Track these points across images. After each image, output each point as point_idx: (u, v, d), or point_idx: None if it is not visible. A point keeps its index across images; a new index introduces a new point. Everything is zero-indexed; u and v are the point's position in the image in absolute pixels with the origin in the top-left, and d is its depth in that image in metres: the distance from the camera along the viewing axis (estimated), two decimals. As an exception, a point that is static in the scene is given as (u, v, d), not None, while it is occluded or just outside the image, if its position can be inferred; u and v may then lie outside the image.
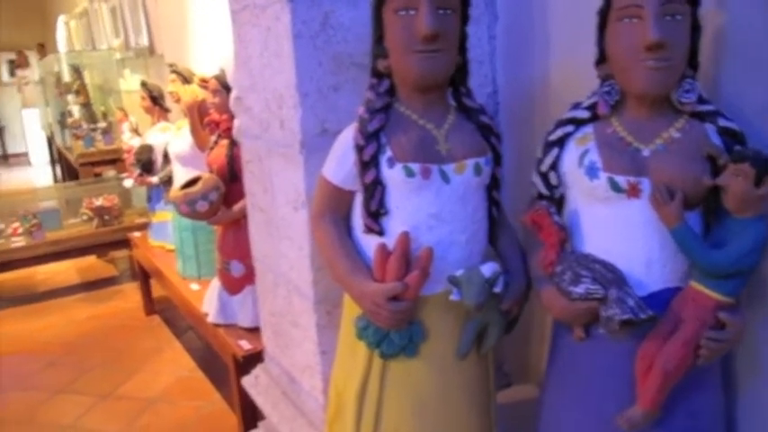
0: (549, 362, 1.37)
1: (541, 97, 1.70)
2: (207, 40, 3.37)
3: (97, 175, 5.39)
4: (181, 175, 3.04)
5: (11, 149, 11.24)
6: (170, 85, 3.06)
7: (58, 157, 8.04)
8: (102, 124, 5.43)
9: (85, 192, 5.07)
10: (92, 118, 5.65)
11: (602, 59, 1.24)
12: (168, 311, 4.01)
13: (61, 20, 8.67)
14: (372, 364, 1.29)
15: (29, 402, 3.09)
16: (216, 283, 2.62)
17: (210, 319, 2.57)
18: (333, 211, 1.28)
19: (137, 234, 4.03)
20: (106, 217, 4.44)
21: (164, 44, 4.18)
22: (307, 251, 1.51)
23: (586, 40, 1.32)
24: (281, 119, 1.49)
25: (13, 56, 10.94)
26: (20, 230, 4.23)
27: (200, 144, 2.91)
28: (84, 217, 4.50)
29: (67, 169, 7.24)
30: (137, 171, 3.60)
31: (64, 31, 8.64)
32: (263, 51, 1.53)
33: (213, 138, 2.58)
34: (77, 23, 7.67)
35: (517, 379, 1.97)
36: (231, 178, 2.43)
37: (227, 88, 2.40)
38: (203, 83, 2.85)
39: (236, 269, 2.51)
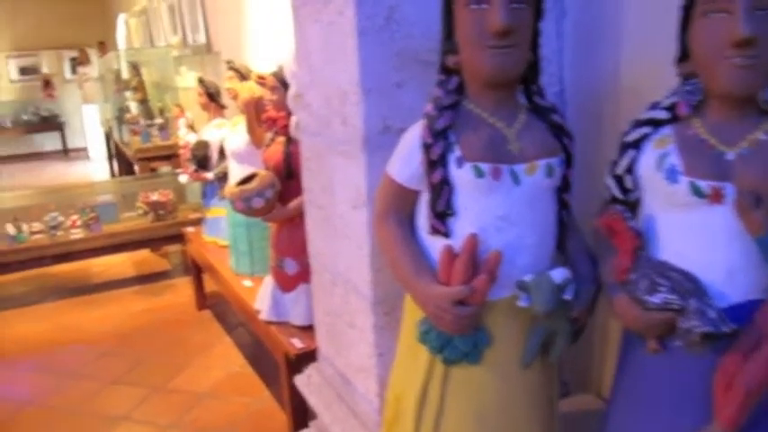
0: (618, 373, 1.31)
1: (611, 97, 1.63)
2: (264, 37, 3.39)
3: (153, 170, 5.48)
4: (236, 171, 3.05)
5: (71, 144, 11.58)
6: (227, 82, 3.07)
7: (115, 152, 8.24)
8: (158, 120, 5.52)
9: (141, 186, 5.16)
10: (149, 114, 5.76)
11: (683, 56, 1.17)
12: (219, 307, 4.05)
13: (121, 18, 8.88)
14: (434, 369, 1.25)
15: (83, 391, 3.16)
16: (269, 281, 2.61)
17: (263, 316, 2.57)
18: (397, 210, 1.25)
19: (191, 229, 4.07)
20: (161, 212, 4.51)
21: (221, 41, 4.22)
22: (366, 251, 1.48)
23: (662, 36, 1.25)
24: (343, 116, 1.46)
25: (75, 53, 11.26)
26: (78, 223, 4.33)
27: (256, 141, 2.92)
28: (140, 211, 4.58)
29: (124, 164, 7.40)
30: (192, 167, 3.64)
31: (124, 29, 8.85)
32: (325, 47, 1.51)
33: (270, 135, 2.57)
34: (137, 21, 7.84)
35: (576, 388, 1.90)
36: (287, 175, 2.42)
37: (284, 85, 2.39)
38: (260, 80, 2.85)
39: (290, 267, 2.50)
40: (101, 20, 11.53)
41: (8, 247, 4.10)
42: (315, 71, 1.59)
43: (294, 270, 2.50)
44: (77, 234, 4.28)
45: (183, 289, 4.44)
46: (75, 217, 4.34)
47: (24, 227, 4.19)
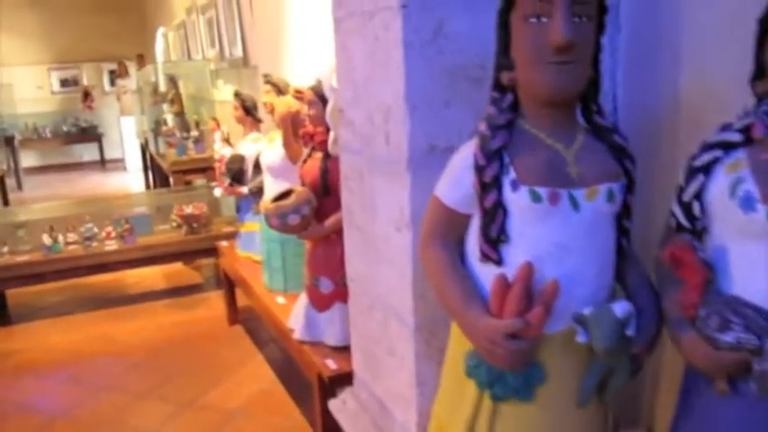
0: (680, 415, 1.21)
1: (668, 117, 1.54)
2: (302, 52, 3.36)
3: (188, 183, 5.50)
4: (272, 186, 3.01)
5: (108, 155, 11.75)
6: (264, 96, 3.04)
7: (150, 164, 8.32)
8: (194, 133, 5.54)
9: (176, 199, 5.17)
10: (185, 127, 5.78)
11: (760, 74, 1.09)
12: (251, 322, 4.01)
13: (160, 32, 9.00)
14: (482, 404, 1.17)
15: (113, 405, 3.12)
16: (303, 299, 2.56)
17: (296, 335, 2.51)
18: (445, 235, 1.18)
19: (224, 243, 4.05)
20: (194, 225, 4.50)
21: (258, 55, 4.21)
22: (409, 275, 1.41)
23: (725, 53, 1.17)
24: (387, 133, 1.40)
25: (114, 66, 11.45)
26: (113, 234, 4.33)
27: (292, 156, 2.87)
28: (174, 224, 4.58)
29: (159, 176, 7.46)
30: (227, 181, 3.62)
31: (162, 43, 8.96)
32: (369, 62, 1.45)
33: (306, 150, 2.53)
34: (175, 35, 7.94)
35: (625, 422, 1.80)
36: (324, 192, 2.36)
37: (323, 100, 2.34)
38: (298, 94, 2.82)
39: (325, 285, 2.44)
40: (140, 33, 11.72)
41: (44, 257, 4.12)
42: (358, 87, 1.54)
43: (329, 289, 2.44)
44: (112, 245, 4.28)
45: (214, 303, 4.42)
46: (109, 228, 4.35)
47: (60, 237, 4.20)
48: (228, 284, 3.95)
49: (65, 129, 11.44)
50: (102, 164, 11.68)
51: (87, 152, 11.87)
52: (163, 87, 6.35)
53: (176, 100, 5.83)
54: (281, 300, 2.97)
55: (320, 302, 2.47)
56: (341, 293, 2.42)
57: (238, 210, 3.74)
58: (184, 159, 5.43)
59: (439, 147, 1.35)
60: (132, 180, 10.11)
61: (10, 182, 8.98)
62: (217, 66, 5.63)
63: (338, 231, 2.38)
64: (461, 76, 1.36)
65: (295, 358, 2.58)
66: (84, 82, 11.74)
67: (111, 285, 4.81)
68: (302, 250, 2.97)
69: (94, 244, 4.27)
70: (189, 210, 4.47)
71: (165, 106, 6.03)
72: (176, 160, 5.40)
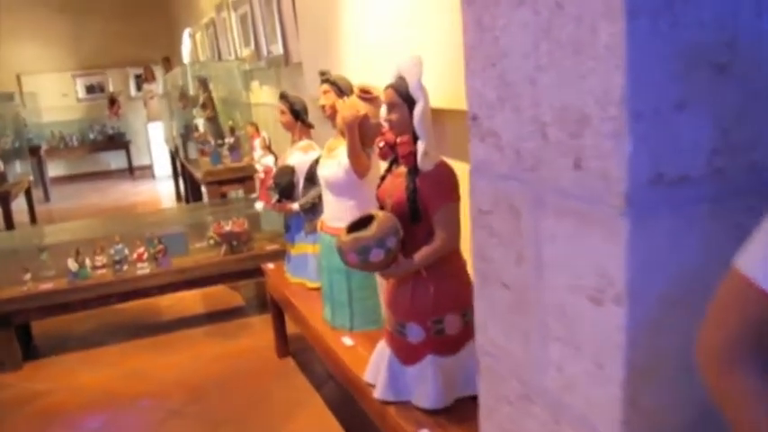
0: None
1: None
2: (358, 46, 2.86)
3: (223, 194, 5.05)
4: (333, 206, 2.53)
5: (136, 162, 11.40)
6: (321, 98, 2.56)
7: (181, 171, 7.91)
8: (229, 140, 5.09)
9: (211, 213, 4.73)
10: (218, 133, 5.34)
11: None
12: (304, 354, 3.53)
13: (187, 33, 8.59)
14: None
15: (154, 466, 2.68)
16: (384, 350, 2.07)
17: (378, 394, 2.02)
18: (762, 344, 0.68)
19: (270, 266, 3.57)
20: (235, 243, 4.04)
21: (302, 52, 3.73)
22: (615, 373, 0.90)
23: None
24: (579, 154, 0.90)
25: (140, 71, 11.10)
26: (145, 256, 3.89)
27: (359, 169, 2.39)
28: (211, 241, 4.12)
29: (191, 183, 7.04)
30: (275, 196, 3.14)
31: (189, 44, 8.55)
32: (542, 43, 0.95)
33: (384, 164, 2.03)
34: (203, 35, 7.50)
35: None
36: (413, 218, 1.87)
37: (407, 101, 1.84)
38: (365, 94, 2.33)
39: (414, 334, 1.94)
40: (166, 36, 11.35)
41: (70, 284, 3.69)
42: (510, 82, 1.03)
43: (419, 338, 1.94)
44: (144, 269, 3.84)
45: (259, 330, 3.95)
46: (141, 249, 3.90)
47: (87, 261, 3.77)
48: (276, 312, 3.48)
49: (91, 137, 11.10)
50: (131, 171, 11.33)
51: (115, 160, 11.54)
52: (192, 90, 5.91)
53: (208, 104, 5.39)
54: (347, 341, 2.48)
55: (407, 354, 1.97)
56: (434, 343, 1.94)
57: (287, 229, 3.26)
58: (219, 169, 4.98)
59: (667, 176, 0.85)
60: (162, 187, 9.73)
61: (37, 193, 8.65)
62: (252, 65, 5.17)
63: (430, 267, 1.89)
64: (701, 61, 0.85)
65: (378, 423, 2.09)
66: (110, 88, 11.42)
67: (144, 311, 4.37)
68: (372, 282, 2.50)
69: (125, 268, 3.83)
70: (228, 227, 4.01)
71: (196, 111, 5.59)
72: (211, 170, 4.95)
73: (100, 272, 3.81)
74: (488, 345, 1.25)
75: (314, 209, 3.10)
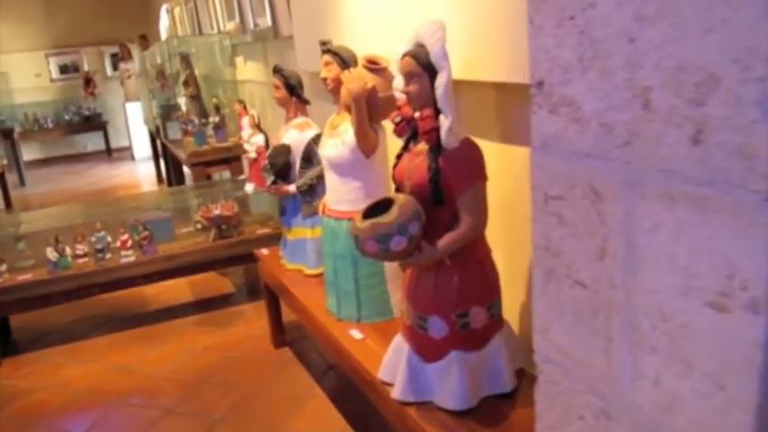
0: None
1: None
2: (361, 12, 2.64)
3: (208, 176, 4.82)
4: (338, 187, 2.32)
5: (114, 144, 11.06)
6: (323, 70, 2.34)
7: (162, 152, 7.64)
8: (214, 119, 4.84)
9: (197, 196, 4.50)
10: (202, 112, 5.08)
11: None
12: (301, 344, 3.35)
13: (164, 8, 8.26)
14: None
15: (147, 471, 2.49)
16: (401, 345, 1.89)
17: (396, 394, 1.84)
18: None
19: (264, 251, 3.37)
20: (224, 227, 3.83)
21: (295, 23, 3.49)
22: (744, 397, 0.73)
23: None
24: (701, 125, 0.71)
25: (116, 49, 10.73)
26: (129, 243, 3.66)
27: (366, 147, 2.19)
28: (199, 226, 3.90)
29: (173, 165, 6.78)
30: (270, 178, 2.93)
31: (167, 20, 8.23)
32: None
33: (401, 141, 1.84)
34: (182, 9, 7.19)
35: None
36: (436, 201, 1.68)
37: (429, 71, 1.64)
38: (372, 65, 2.12)
39: (437, 328, 1.76)
40: (142, 12, 10.96)
41: (50, 275, 3.46)
42: (596, 41, 0.84)
43: (442, 332, 1.76)
44: (129, 257, 3.62)
45: (252, 318, 3.76)
46: (124, 236, 3.67)
47: (67, 250, 3.54)
48: (271, 300, 3.29)
49: (67, 118, 10.73)
50: (109, 153, 11.00)
51: (92, 142, 11.18)
52: (172, 68, 5.63)
53: (191, 81, 5.12)
54: (356, 334, 2.29)
55: (429, 350, 1.79)
56: (458, 338, 1.76)
57: (283, 212, 3.06)
58: (205, 149, 4.74)
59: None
60: (142, 169, 9.45)
61: (12, 177, 8.32)
62: (237, 40, 4.91)
63: (454, 255, 1.71)
64: None
65: (396, 425, 1.91)
66: (85, 67, 11.03)
67: (129, 300, 4.15)
68: (380, 269, 2.31)
69: (108, 256, 3.60)
70: (217, 210, 3.79)
71: (178, 89, 5.32)
72: (195, 150, 4.71)
73: (81, 261, 3.58)
74: (552, 351, 1.07)
75: (312, 190, 2.90)
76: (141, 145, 9.90)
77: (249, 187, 3.83)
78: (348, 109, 2.16)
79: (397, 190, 1.82)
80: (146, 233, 3.66)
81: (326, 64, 2.32)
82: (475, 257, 1.76)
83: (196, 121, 4.87)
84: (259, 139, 3.76)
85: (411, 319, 1.82)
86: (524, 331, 2.04)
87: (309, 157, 2.88)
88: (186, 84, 5.16)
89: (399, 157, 1.82)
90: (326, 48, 2.32)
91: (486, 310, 1.78)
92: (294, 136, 2.88)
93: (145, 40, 9.45)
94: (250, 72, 4.99)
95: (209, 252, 3.74)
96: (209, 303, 4.07)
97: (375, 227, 1.60)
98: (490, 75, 1.80)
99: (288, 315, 3.23)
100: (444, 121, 1.62)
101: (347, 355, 2.20)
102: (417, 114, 1.68)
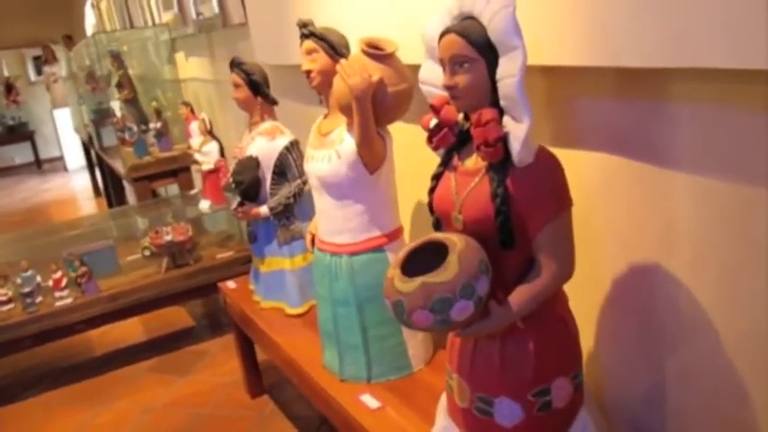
0: None
1: None
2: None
3: (154, 193, 4.19)
4: (333, 214, 1.78)
5: (44, 154, 10.16)
6: (305, 61, 1.79)
7: (97, 162, 6.90)
8: (155, 124, 4.20)
9: (142, 215, 3.88)
10: (141, 117, 4.43)
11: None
12: (283, 390, 2.81)
13: (89, 4, 7.48)
14: None
15: None
16: (451, 429, 1.37)
17: (451, 507, 1.32)
18: None
19: (230, 284, 2.79)
20: (177, 254, 3.24)
21: (250, 7, 2.91)
22: None
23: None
24: None
25: (39, 52, 9.83)
26: (64, 282, 3.03)
27: (371, 160, 1.66)
28: (147, 252, 3.29)
29: (111, 176, 6.07)
30: (235, 200, 2.36)
31: (93, 17, 7.46)
32: None
33: (437, 154, 1.31)
34: (109, 3, 6.45)
35: None
36: (505, 242, 1.15)
37: (486, 54, 1.12)
38: (374, 50, 1.58)
39: (508, 413, 1.26)
40: (65, 11, 10.07)
41: (-35, 330, 2.81)
42: None
43: (515, 418, 1.26)
44: (65, 299, 2.99)
45: (219, 359, 3.19)
46: (57, 274, 3.04)
47: (-14, 296, 2.89)
48: (242, 340, 2.73)
49: (-12, 129, 9.79)
50: (39, 165, 10.11)
51: (19, 153, 10.26)
52: (102, 68, 4.95)
53: (125, 83, 4.46)
54: (368, 401, 1.76)
55: (495, 444, 1.28)
56: (536, 424, 1.26)
57: (253, 238, 2.49)
58: (147, 161, 4.10)
59: None
60: (76, 181, 8.65)
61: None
62: (177, 32, 4.28)
63: (534, 316, 1.20)
64: None
65: None
66: (5, 72, 10.07)
67: (69, 346, 3.49)
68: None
69: (39, 300, 2.97)
70: (169, 235, 3.18)
71: (111, 92, 4.64)
72: (136, 163, 4.07)
73: (5, 309, 2.94)
74: None
75: (288, 211, 2.35)
76: (74, 154, 9.09)
77: (205, 205, 3.27)
78: (345, 110, 1.62)
79: (436, 226, 1.29)
80: (84, 269, 3.03)
81: (309, 52, 1.76)
82: (555, 313, 1.26)
83: (134, 128, 4.21)
84: (212, 148, 3.20)
85: (467, 400, 1.30)
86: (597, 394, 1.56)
87: (283, 170, 2.33)
88: (120, 86, 4.49)
89: (437, 177, 1.28)
90: (308, 31, 1.76)
91: (570, 380, 1.28)
92: (262, 145, 2.31)
93: (70, 41, 8.62)
94: (193, 69, 4.36)
95: (161, 286, 3.14)
96: (166, 343, 3.46)
97: (428, 289, 1.08)
98: (552, 57, 1.29)
99: (262, 353, 2.67)
100: (518, 128, 1.10)
101: (362, 433, 1.67)
102: (477, 117, 1.15)
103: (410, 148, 1.86)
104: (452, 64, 1.15)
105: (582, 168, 1.40)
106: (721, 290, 1.22)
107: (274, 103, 2.39)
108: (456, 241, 1.12)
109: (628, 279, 1.42)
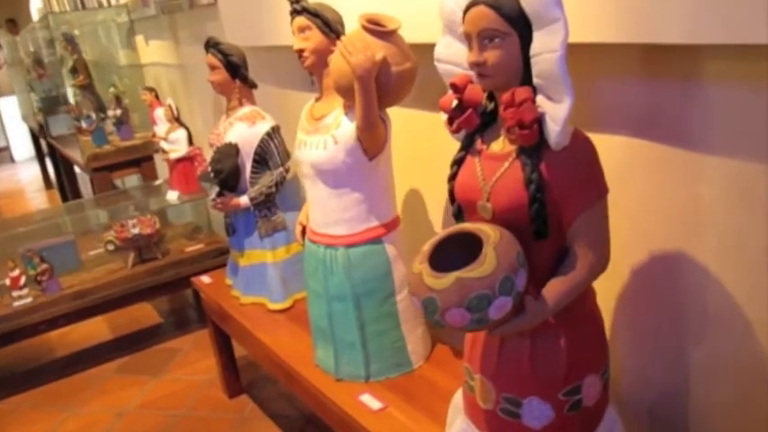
0: None
1: None
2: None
3: (113, 185, 4.00)
4: (328, 203, 1.66)
5: (-12, 146, 9.70)
6: (297, 39, 1.66)
7: (48, 152, 6.58)
8: (114, 112, 3.98)
9: (102, 207, 3.68)
10: (99, 105, 4.21)
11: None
12: (262, 388, 2.69)
13: (35, -16, 7.11)
14: None
15: None
16: (468, 429, 1.29)
17: None
18: None
19: (204, 279, 2.65)
20: (144, 247, 3.07)
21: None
22: None
23: None
24: None
25: (-23, 37, 9.35)
26: (22, 281, 2.84)
27: (372, 145, 1.55)
28: (110, 247, 3.12)
29: (63, 166, 5.79)
30: (213, 190, 2.22)
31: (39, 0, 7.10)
32: None
33: (458, 137, 1.21)
34: (58, -16, 6.14)
35: None
36: (538, 233, 1.07)
37: (520, 28, 1.03)
38: (376, 26, 1.47)
39: (537, 414, 1.17)
40: (7, -8, 9.57)
41: None
42: None
43: (545, 419, 1.18)
44: (24, 299, 2.80)
45: (192, 357, 3.05)
46: (15, 272, 2.84)
47: (-63, 298, 2.69)
48: (218, 336, 2.60)
49: (-73, 120, 9.27)
50: (-18, 157, 9.63)
51: (-40, 145, 9.75)
52: (56, 53, 4.69)
53: (80, 68, 4.22)
54: (369, 401, 1.67)
55: (523, 448, 1.20)
56: (567, 424, 1.19)
57: (231, 231, 2.36)
58: (107, 150, 3.90)
59: None
60: (25, 173, 8.27)
61: None
62: (136, 14, 4.06)
63: (561, 311, 1.12)
64: None
65: None
66: (-57, 60, 9.55)
67: (29, 348, 3.29)
68: (392, 307, 1.70)
69: (-6, 300, 2.78)
70: (135, 228, 3.01)
71: (65, 78, 4.39)
72: (95, 152, 3.86)
73: (-41, 310, 2.73)
74: None
75: (269, 201, 2.22)
76: (21, 144, 8.69)
77: (173, 196, 3.11)
78: (344, 92, 1.51)
79: (457, 216, 1.20)
80: (44, 266, 2.84)
81: (301, 29, 1.64)
82: (585, 307, 1.18)
83: (93, 115, 3.99)
84: (180, 135, 3.05)
85: (492, 401, 1.21)
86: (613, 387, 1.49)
87: (264, 157, 2.20)
88: (74, 71, 4.25)
89: (459, 163, 1.19)
90: (300, 6, 1.63)
91: (600, 377, 1.21)
92: (242, 131, 2.17)
93: (14, 25, 8.20)
94: (154, 53, 4.15)
95: (129, 282, 2.97)
96: (134, 341, 3.29)
97: (464, 286, 0.98)
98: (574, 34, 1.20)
99: (239, 349, 2.55)
100: (557, 108, 1.01)
101: (366, 438, 1.57)
102: (511, 96, 1.05)
103: (400, 132, 1.76)
104: (481, 39, 1.05)
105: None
106: (751, 279, 1.16)
107: (253, 86, 2.25)
108: (489, 232, 1.03)
109: (648, 268, 1.36)
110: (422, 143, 1.89)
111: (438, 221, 1.95)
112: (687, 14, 1.03)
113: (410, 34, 1.54)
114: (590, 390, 1.19)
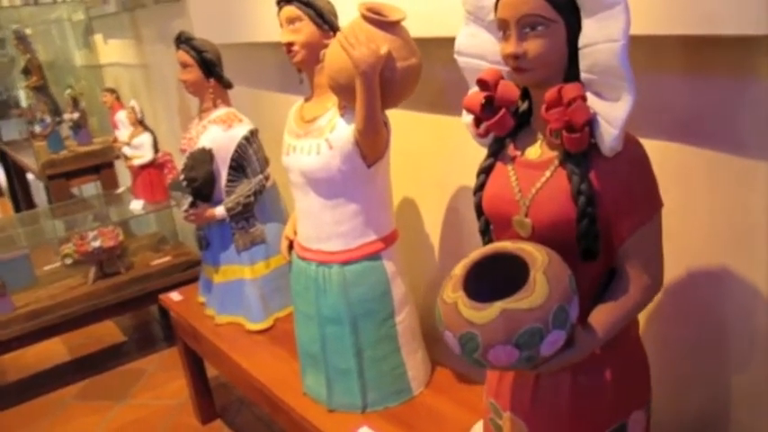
0: None
1: None
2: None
3: (72, 194, 3.74)
4: (321, 215, 1.49)
5: (-69, 151, 9.20)
6: (285, 32, 1.48)
7: (-3, 158, 6.23)
8: (71, 115, 3.73)
9: (58, 217, 3.43)
10: (53, 107, 3.94)
11: None
12: (236, 411, 2.50)
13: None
14: None
15: None
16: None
17: None
18: None
19: (174, 296, 2.45)
20: (105, 260, 2.84)
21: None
22: None
23: None
24: None
25: None
26: (-29, 300, 2.59)
27: (373, 150, 1.38)
28: (68, 260, 2.89)
29: (15, 172, 5.47)
30: (186, 200, 2.02)
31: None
32: None
33: (486, 140, 1.06)
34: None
35: None
36: (587, 253, 0.91)
37: (566, 14, 0.87)
38: (376, 15, 1.30)
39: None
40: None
41: None
42: None
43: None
44: (-28, 320, 2.55)
45: (159, 379, 2.83)
46: (-37, 290, 2.59)
47: None
48: (188, 357, 2.39)
49: None
50: (-74, 163, 9.12)
51: None
52: (5, 53, 4.41)
53: (33, 69, 3.95)
54: (368, 435, 1.50)
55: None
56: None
57: (204, 244, 2.16)
58: (63, 156, 3.63)
59: None
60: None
61: None
62: (94, 11, 3.82)
63: (618, 344, 0.97)
64: None
65: None
66: None
67: (-21, 370, 3.04)
68: (390, 330, 1.54)
69: (-60, 322, 2.52)
70: (96, 241, 2.78)
71: (17, 79, 4.12)
72: (51, 158, 3.60)
73: None
74: None
75: (247, 211, 2.04)
76: (-31, 151, 8.25)
77: (137, 205, 2.90)
78: (342, 90, 1.34)
79: (486, 232, 1.04)
80: (-5, 283, 2.60)
81: (291, 20, 1.46)
82: (631, 335, 1.04)
83: (48, 119, 3.73)
84: (144, 140, 2.83)
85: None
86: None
87: (241, 164, 2.01)
88: (27, 72, 3.98)
89: (486, 172, 1.03)
90: (288, -4, 1.46)
91: (645, 413, 1.06)
92: (216, 135, 1.98)
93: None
94: (114, 53, 3.92)
95: (90, 299, 2.74)
96: (94, 363, 3.05)
97: (512, 319, 0.82)
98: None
99: (212, 369, 2.36)
100: (613, 108, 0.86)
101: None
102: (559, 95, 0.89)
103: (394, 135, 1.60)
104: (521, 27, 0.89)
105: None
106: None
107: (229, 86, 2.07)
108: (535, 254, 0.87)
109: (686, 285, 1.22)
110: (415, 147, 1.73)
111: (436, 233, 1.80)
112: (751, 2, 0.90)
113: (414, 28, 1.38)
114: (636, 427, 1.04)
